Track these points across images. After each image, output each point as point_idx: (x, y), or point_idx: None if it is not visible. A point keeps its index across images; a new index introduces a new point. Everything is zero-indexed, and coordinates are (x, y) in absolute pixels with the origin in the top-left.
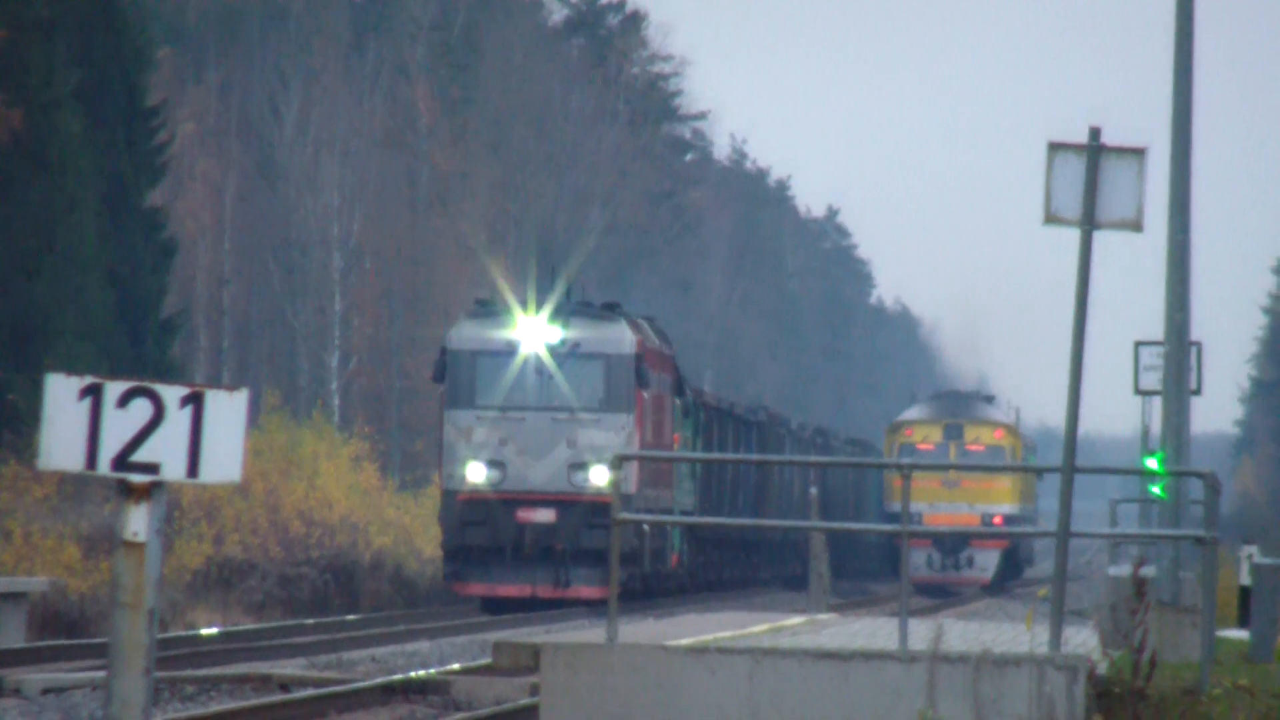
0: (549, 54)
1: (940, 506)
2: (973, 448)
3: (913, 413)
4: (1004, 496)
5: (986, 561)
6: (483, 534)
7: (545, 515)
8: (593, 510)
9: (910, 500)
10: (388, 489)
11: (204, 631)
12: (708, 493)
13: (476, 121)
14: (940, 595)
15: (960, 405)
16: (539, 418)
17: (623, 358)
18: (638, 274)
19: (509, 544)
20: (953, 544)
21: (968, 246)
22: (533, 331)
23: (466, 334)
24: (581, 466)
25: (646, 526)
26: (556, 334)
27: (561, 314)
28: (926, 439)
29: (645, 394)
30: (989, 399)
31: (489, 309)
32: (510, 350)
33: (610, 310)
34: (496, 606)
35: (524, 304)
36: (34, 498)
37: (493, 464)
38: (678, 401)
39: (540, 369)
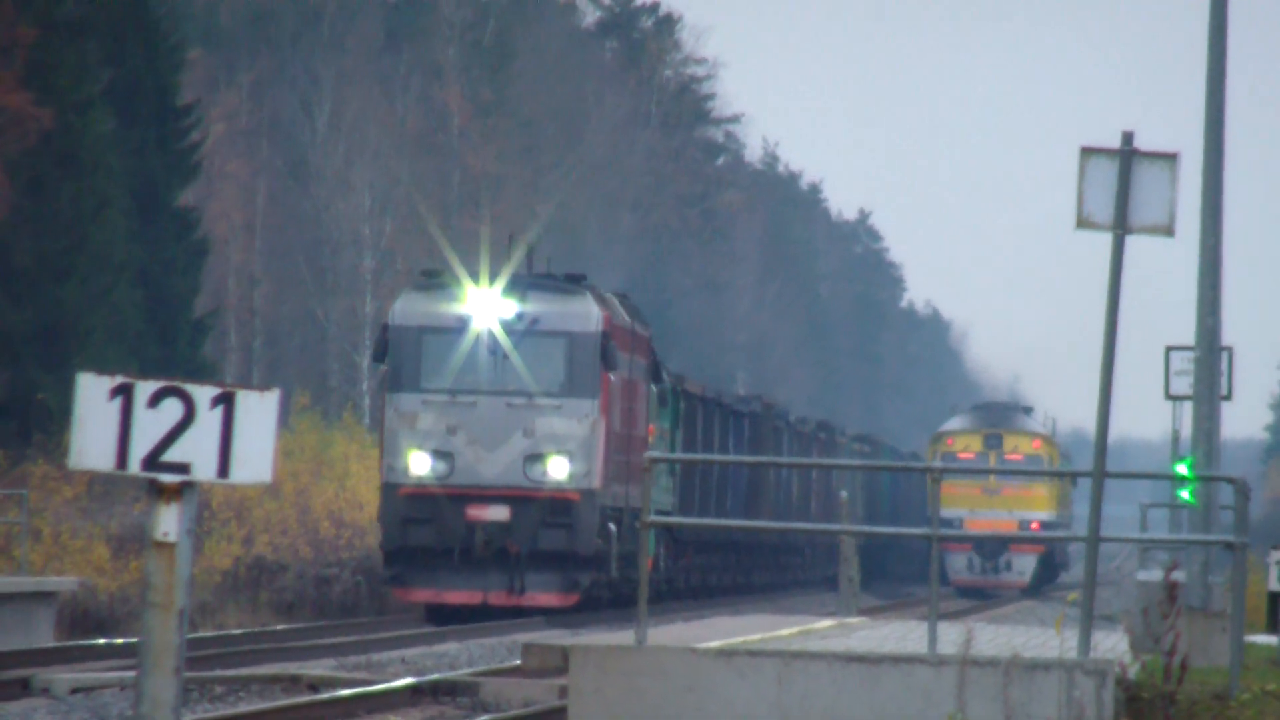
0: (582, 56)
1: (980, 513)
2: (1011, 457)
3: (954, 423)
4: (1041, 504)
5: (1024, 565)
6: (428, 533)
7: (498, 513)
8: (551, 508)
9: (951, 506)
10: None
11: (230, 632)
12: (689, 491)
13: (508, 124)
14: (980, 597)
15: (999, 416)
16: (492, 403)
17: (587, 336)
18: (669, 276)
19: (457, 545)
20: (992, 548)
21: (999, 251)
22: (485, 306)
23: (411, 308)
24: (539, 459)
25: (613, 526)
26: (512, 308)
27: (518, 286)
28: (967, 448)
29: (613, 377)
30: (1027, 410)
31: (437, 281)
32: (460, 326)
33: (574, 283)
34: (443, 615)
35: (476, 275)
36: (64, 498)
37: (439, 455)
38: (653, 388)
39: (493, 348)
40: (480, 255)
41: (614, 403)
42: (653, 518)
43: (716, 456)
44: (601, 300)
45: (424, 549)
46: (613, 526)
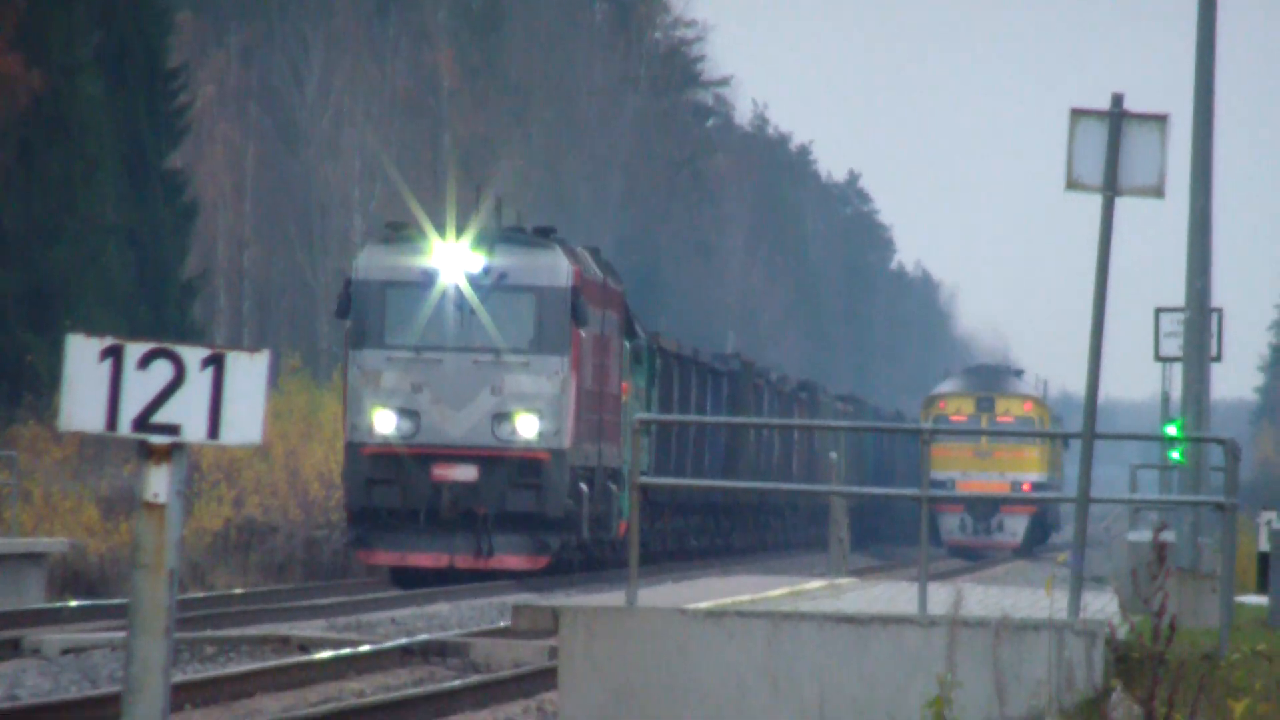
0: (572, 19)
1: (972, 475)
2: (1003, 419)
3: (946, 386)
4: (1032, 465)
5: (1016, 526)
6: (392, 494)
7: (465, 473)
8: (520, 468)
9: (944, 469)
10: None
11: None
12: (665, 450)
13: (498, 87)
14: (973, 558)
15: (991, 379)
16: (458, 360)
17: (556, 291)
18: (658, 240)
19: (423, 506)
20: (984, 509)
21: (989, 212)
22: (452, 259)
23: (375, 262)
24: (507, 417)
25: (584, 487)
26: (479, 262)
27: (486, 240)
28: (959, 411)
29: (584, 333)
30: (1018, 373)
31: (402, 234)
32: (426, 281)
33: (543, 236)
34: (408, 579)
35: (442, 228)
36: (53, 459)
37: (404, 413)
38: (627, 344)
39: (460, 303)
40: (447, 208)
41: (585, 360)
42: (633, 478)
43: (709, 418)
44: (571, 254)
45: (389, 510)
46: (584, 487)
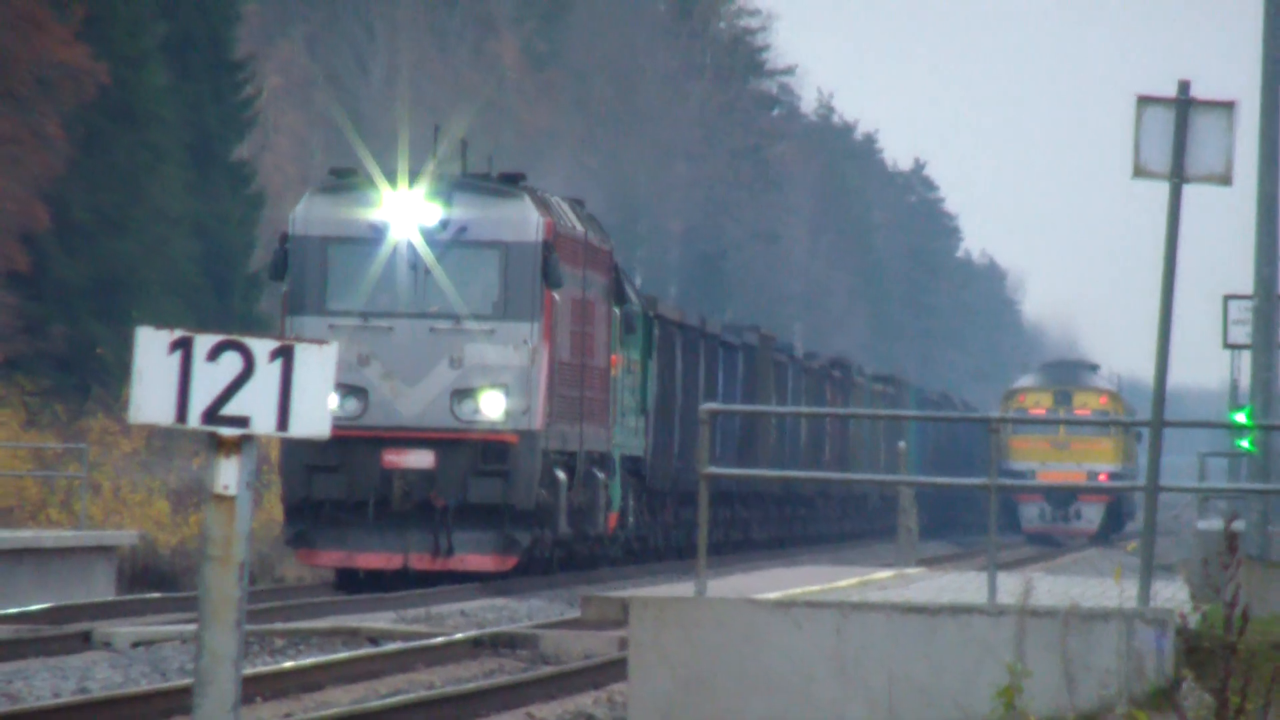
0: (636, 8)
1: (1050, 465)
2: (1080, 412)
3: (1025, 380)
4: (1107, 456)
5: (1092, 515)
6: (337, 484)
7: (420, 459)
8: (484, 453)
9: (1023, 459)
10: None
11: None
12: (665, 432)
13: (563, 77)
14: (1051, 544)
15: (1068, 374)
16: (412, 328)
17: (525, 246)
18: (723, 227)
19: (372, 498)
20: (1062, 498)
21: (1056, 200)
22: (404, 211)
23: (315, 214)
24: (469, 394)
25: (561, 474)
26: (436, 214)
27: (444, 188)
28: (1038, 404)
29: (558, 296)
30: (1094, 368)
31: (347, 181)
32: (374, 236)
33: (510, 184)
34: (357, 582)
35: (393, 175)
36: (123, 452)
37: (350, 390)
38: (616, 311)
39: (414, 262)
40: (398, 151)
41: (560, 326)
42: (700, 469)
43: (779, 408)
44: (543, 204)
45: (332, 503)
46: (560, 474)
